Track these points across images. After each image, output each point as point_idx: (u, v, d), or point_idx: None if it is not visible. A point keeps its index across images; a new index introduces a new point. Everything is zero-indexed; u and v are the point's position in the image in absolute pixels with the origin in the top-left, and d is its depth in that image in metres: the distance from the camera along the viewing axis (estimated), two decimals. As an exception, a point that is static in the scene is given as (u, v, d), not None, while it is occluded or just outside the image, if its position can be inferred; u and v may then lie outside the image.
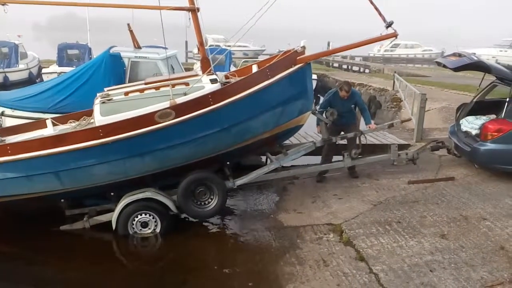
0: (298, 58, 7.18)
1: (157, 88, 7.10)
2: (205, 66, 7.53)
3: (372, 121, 8.83)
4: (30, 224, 7.16)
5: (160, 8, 7.03)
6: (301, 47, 7.25)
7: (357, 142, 8.16)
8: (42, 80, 17.64)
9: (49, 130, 7.57)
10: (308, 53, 7.29)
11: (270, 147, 8.01)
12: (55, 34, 48.77)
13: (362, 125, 8.34)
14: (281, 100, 7.08)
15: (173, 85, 6.91)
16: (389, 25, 6.99)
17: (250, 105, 6.75)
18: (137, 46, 11.31)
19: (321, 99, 10.25)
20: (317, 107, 8.23)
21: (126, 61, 10.16)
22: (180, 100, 6.67)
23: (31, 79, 21.42)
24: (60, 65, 19.09)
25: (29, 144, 6.55)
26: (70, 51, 20.39)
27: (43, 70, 19.50)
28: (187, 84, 7.01)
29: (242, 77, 7.35)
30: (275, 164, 7.55)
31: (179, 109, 6.48)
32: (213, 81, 7.08)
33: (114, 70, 9.85)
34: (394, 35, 7.13)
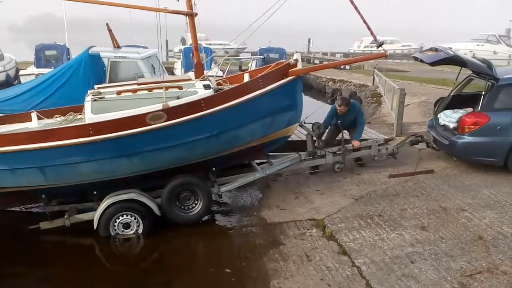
0: (290, 70, 7.29)
1: (150, 89, 7.06)
2: (199, 71, 7.56)
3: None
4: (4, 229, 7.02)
5: (158, 10, 7.02)
6: (294, 60, 7.41)
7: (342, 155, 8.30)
8: (20, 82, 17.30)
9: (34, 124, 7.42)
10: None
11: (256, 156, 8.08)
12: (32, 35, 47.82)
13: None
14: (271, 110, 7.20)
15: (167, 88, 6.89)
16: (380, 45, 7.28)
17: (241, 113, 6.83)
18: (117, 46, 11.20)
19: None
20: (306, 119, 8.27)
21: (105, 61, 10.06)
22: (172, 103, 6.66)
23: (9, 82, 20.90)
24: (38, 66, 18.66)
25: (16, 137, 6.40)
26: (48, 52, 19.94)
27: (21, 72, 19.05)
28: (180, 87, 7.00)
29: (235, 85, 7.42)
30: (261, 173, 7.67)
31: (171, 112, 6.48)
32: (207, 87, 7.10)
33: (94, 70, 9.73)
34: (384, 55, 7.55)
